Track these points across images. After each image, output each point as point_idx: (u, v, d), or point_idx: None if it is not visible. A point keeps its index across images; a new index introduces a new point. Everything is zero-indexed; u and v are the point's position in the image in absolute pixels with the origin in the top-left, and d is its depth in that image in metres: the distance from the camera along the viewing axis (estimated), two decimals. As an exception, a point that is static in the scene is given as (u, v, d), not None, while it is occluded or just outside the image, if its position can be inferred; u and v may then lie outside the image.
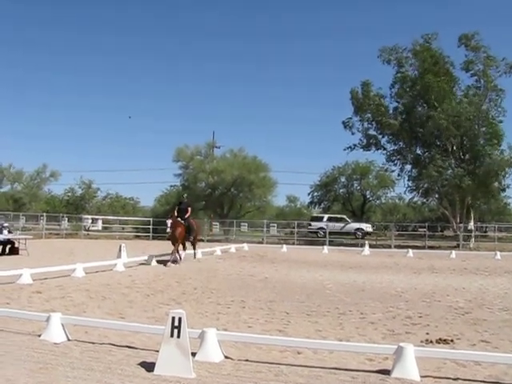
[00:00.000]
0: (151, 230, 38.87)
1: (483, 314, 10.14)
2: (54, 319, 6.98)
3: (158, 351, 5.84)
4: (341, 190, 52.54)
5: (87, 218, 44.65)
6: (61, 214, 42.27)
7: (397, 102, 38.57)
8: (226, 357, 6.38)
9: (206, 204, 45.81)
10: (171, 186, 52.00)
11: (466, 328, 8.70)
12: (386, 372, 5.88)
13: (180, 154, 47.01)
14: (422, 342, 7.44)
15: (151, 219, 40.01)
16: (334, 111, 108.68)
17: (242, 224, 47.46)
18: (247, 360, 6.35)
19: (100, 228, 46.86)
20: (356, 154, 47.09)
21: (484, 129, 35.71)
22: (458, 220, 36.59)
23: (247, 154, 47.59)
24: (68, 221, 44.29)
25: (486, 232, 45.32)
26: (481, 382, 5.76)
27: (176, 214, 18.95)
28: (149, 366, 5.80)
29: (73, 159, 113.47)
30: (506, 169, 34.75)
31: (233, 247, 26.65)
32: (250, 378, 5.66)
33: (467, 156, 36.32)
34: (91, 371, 5.67)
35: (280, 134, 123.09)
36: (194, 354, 5.99)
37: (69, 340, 6.95)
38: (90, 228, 44.49)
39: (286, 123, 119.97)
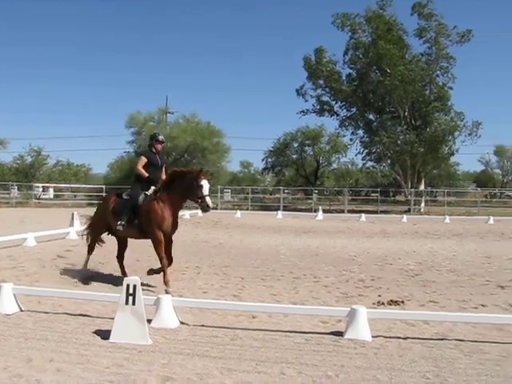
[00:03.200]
0: (104, 198, 37.97)
1: (432, 275, 10.47)
2: (5, 290, 6.82)
3: (113, 319, 5.81)
4: (293, 156, 52.69)
5: (38, 187, 43.59)
6: (10, 183, 41.04)
7: (350, 68, 38.90)
8: (182, 323, 6.41)
9: (159, 170, 45.17)
10: (124, 153, 51.11)
11: (415, 289, 8.98)
12: (339, 334, 6.03)
13: (133, 120, 46.26)
14: (373, 303, 7.65)
15: (104, 186, 39.30)
16: (288, 78, 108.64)
17: (196, 190, 46.97)
18: (203, 325, 6.39)
19: (51, 196, 45.89)
20: (308, 119, 47.46)
21: (434, 95, 36.36)
22: (410, 185, 37.41)
23: (201, 120, 47.23)
24: (18, 189, 43.00)
25: (436, 197, 46.46)
26: (428, 339, 5.97)
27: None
28: (104, 334, 5.77)
29: (21, 127, 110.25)
30: (455, 133, 35.57)
31: (187, 213, 26.54)
32: (206, 342, 5.72)
33: (418, 122, 36.98)
34: (46, 341, 5.61)
35: (234, 100, 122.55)
36: (149, 321, 6.00)
37: (21, 311, 6.82)
38: (41, 196, 43.50)
39: (239, 90, 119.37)
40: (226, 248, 14.35)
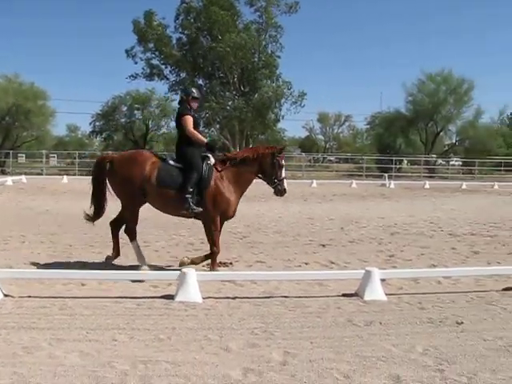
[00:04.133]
0: None
1: (259, 237, 10.91)
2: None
3: None
4: (122, 120, 51.24)
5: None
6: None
7: (181, 33, 38.41)
8: (6, 295, 5.98)
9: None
10: None
11: (244, 251, 9.29)
12: (170, 297, 6.04)
13: None
14: (203, 266, 7.75)
15: None
16: (117, 39, 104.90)
17: (20, 155, 44.06)
18: (29, 296, 6.03)
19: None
20: (138, 83, 46.15)
21: (263, 62, 37.40)
22: (238, 150, 38.31)
23: (23, 81, 43.72)
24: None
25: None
26: (256, 298, 6.23)
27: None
28: None
29: None
30: (282, 100, 37.05)
31: (9, 180, 24.76)
32: (33, 314, 5.41)
33: (247, 88, 37.85)
34: None
35: (60, 64, 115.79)
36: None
37: None
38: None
39: (65, 52, 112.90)
40: (52, 215, 13.65)
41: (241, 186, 7.64)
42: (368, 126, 65.68)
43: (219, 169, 7.48)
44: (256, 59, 37.45)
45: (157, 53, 38.46)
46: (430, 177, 38.34)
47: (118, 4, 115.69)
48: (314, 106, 61.12)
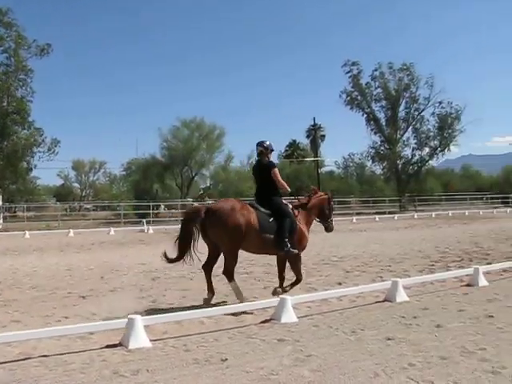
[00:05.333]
0: None
1: (13, 294, 10.07)
2: None
3: None
4: None
5: None
6: None
7: None
8: None
9: None
10: None
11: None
12: None
13: None
14: None
15: None
16: None
17: None
18: None
19: None
20: None
21: (12, 108, 35.22)
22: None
23: None
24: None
25: (15, 212, 45.02)
26: (12, 361, 5.72)
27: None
28: None
29: None
30: (33, 148, 35.25)
31: None
32: None
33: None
34: None
35: None
36: None
37: None
38: None
39: None
40: None
41: (308, 227, 9.10)
42: (124, 173, 65.72)
43: (296, 213, 8.79)
44: (5, 104, 35.10)
45: None
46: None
47: None
48: (68, 153, 59.43)
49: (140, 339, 6.25)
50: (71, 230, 27.13)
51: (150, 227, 28.95)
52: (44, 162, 37.72)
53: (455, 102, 53.42)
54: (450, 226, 28.17)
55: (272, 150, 9.06)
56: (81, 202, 60.71)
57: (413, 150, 54.99)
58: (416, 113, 54.58)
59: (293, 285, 8.93)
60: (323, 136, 70.79)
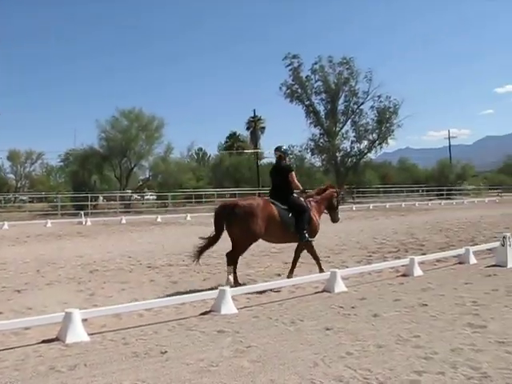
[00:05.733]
0: None
1: None
2: None
3: None
4: None
5: None
6: None
7: None
8: None
9: None
10: None
11: None
12: None
13: None
14: None
15: None
16: None
17: None
18: None
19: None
20: None
21: None
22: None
23: None
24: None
25: None
26: None
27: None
28: None
29: None
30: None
31: None
32: None
33: None
34: None
35: None
36: None
37: None
38: None
39: None
40: None
41: (319, 216, 10.27)
42: (62, 164, 63.92)
43: (309, 205, 9.95)
44: None
45: None
46: (127, 212, 38.87)
47: None
48: (3, 144, 57.29)
49: (78, 333, 6.14)
50: (5, 223, 26.23)
51: (89, 219, 28.37)
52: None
53: (393, 96, 54.81)
54: (387, 218, 28.89)
55: (287, 155, 10.71)
56: (16, 194, 58.71)
57: (352, 143, 56.23)
58: (355, 106, 55.72)
59: (320, 268, 9.97)
60: (263, 128, 71.28)
